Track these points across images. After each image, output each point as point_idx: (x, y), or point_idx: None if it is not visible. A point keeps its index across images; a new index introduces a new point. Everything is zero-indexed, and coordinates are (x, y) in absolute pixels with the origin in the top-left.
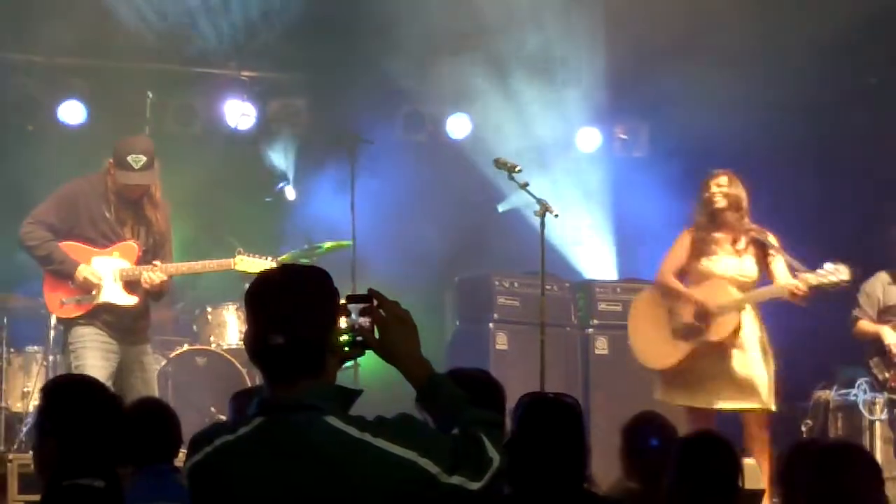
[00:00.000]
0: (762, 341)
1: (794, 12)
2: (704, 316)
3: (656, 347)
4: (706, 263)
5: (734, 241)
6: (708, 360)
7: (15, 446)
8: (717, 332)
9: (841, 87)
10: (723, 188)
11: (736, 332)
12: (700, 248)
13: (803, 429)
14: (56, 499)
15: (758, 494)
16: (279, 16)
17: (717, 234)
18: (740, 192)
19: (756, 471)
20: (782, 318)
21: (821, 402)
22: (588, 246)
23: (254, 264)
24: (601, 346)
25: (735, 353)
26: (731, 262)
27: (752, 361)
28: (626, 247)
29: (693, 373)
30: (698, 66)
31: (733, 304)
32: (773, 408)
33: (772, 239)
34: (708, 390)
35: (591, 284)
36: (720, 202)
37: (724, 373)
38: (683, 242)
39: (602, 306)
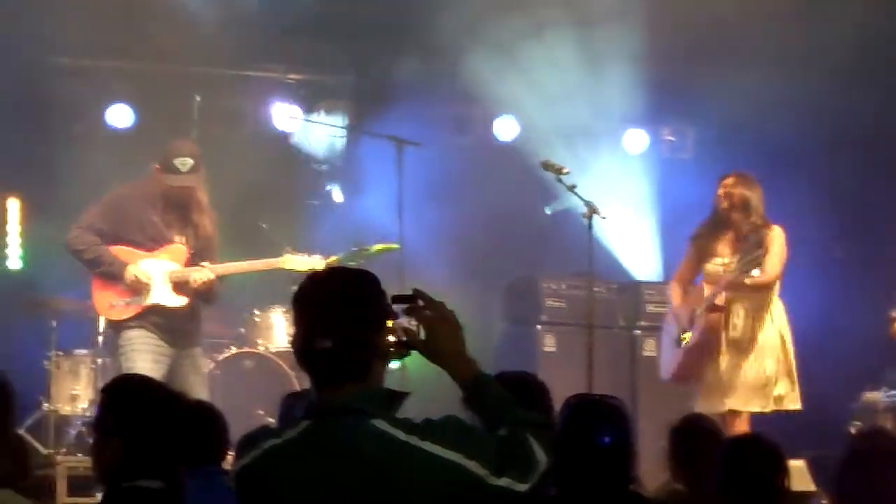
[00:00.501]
0: (754, 338)
1: (837, 12)
2: (691, 320)
3: (665, 358)
4: (708, 267)
5: (737, 240)
6: (699, 363)
7: (64, 449)
8: (694, 334)
9: (885, 86)
10: (727, 188)
11: (712, 330)
12: (704, 253)
13: (852, 430)
14: (117, 501)
15: (806, 496)
16: (326, 17)
17: (722, 236)
18: (748, 191)
19: (804, 472)
20: (831, 320)
21: (869, 404)
22: (635, 248)
23: (302, 262)
24: (649, 347)
25: (724, 353)
26: (724, 262)
27: (737, 361)
28: (673, 248)
29: (697, 378)
30: (745, 68)
31: (706, 301)
32: (756, 409)
33: (776, 232)
34: (697, 393)
35: (638, 286)
36: (724, 203)
37: (710, 374)
38: (687, 253)
39: (649, 308)
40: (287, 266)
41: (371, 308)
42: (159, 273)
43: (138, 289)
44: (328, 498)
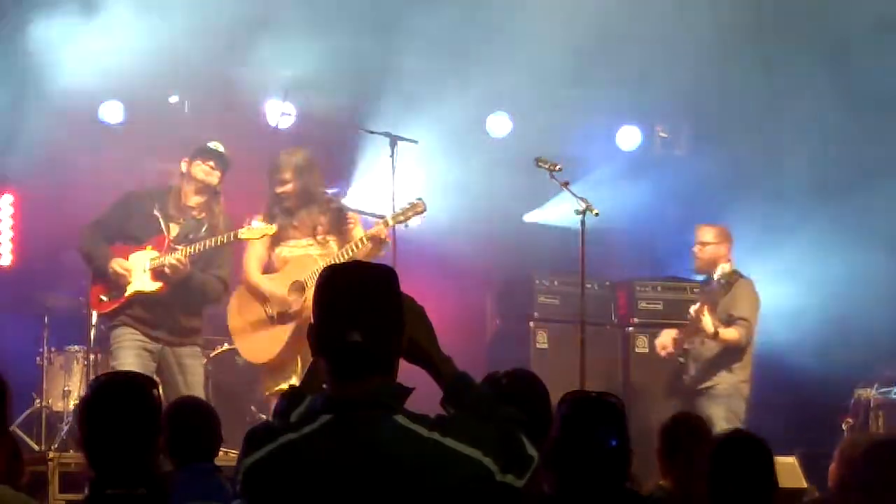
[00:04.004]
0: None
1: (835, 11)
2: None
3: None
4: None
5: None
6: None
7: (56, 445)
8: None
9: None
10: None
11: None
12: (278, 237)
13: (844, 427)
14: None
15: (798, 493)
16: (318, 14)
17: (294, 223)
18: (310, 178)
19: (796, 469)
20: (826, 316)
21: (862, 400)
22: (628, 244)
23: (254, 231)
24: (641, 344)
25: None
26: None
27: None
28: (665, 245)
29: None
30: (739, 64)
31: None
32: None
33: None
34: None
35: (631, 283)
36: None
37: None
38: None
39: (642, 305)
40: (242, 236)
41: (397, 303)
42: (140, 263)
43: (119, 281)
44: (350, 493)
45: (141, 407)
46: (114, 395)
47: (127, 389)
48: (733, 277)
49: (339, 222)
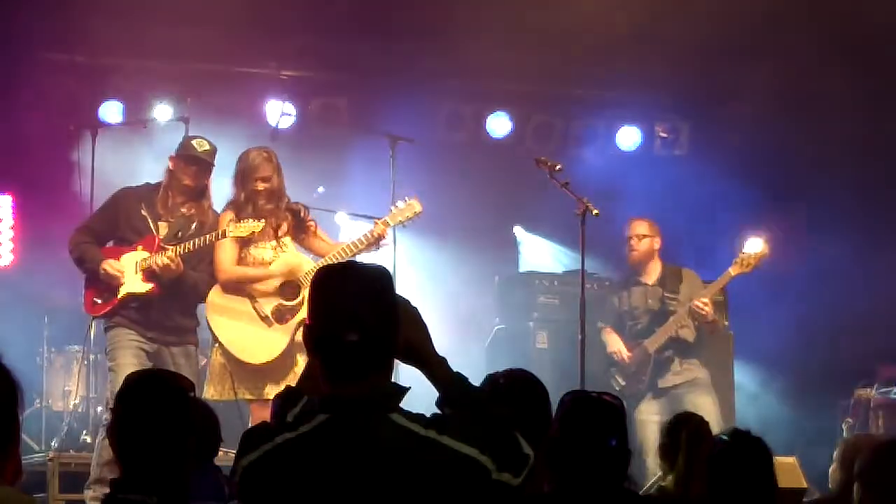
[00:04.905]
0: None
1: (835, 10)
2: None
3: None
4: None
5: (276, 228)
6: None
7: (56, 445)
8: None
9: (886, 85)
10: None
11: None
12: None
13: (844, 427)
14: None
15: (798, 493)
16: (320, 15)
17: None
18: (279, 178)
19: (796, 469)
20: (824, 316)
21: (862, 400)
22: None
23: (242, 228)
24: None
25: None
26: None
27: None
28: (665, 245)
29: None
30: (739, 65)
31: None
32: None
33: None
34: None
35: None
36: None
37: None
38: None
39: None
40: (231, 234)
41: (392, 303)
42: (131, 264)
43: (112, 283)
44: (348, 492)
45: (177, 411)
46: (158, 396)
47: (170, 391)
48: (673, 270)
49: (299, 225)
